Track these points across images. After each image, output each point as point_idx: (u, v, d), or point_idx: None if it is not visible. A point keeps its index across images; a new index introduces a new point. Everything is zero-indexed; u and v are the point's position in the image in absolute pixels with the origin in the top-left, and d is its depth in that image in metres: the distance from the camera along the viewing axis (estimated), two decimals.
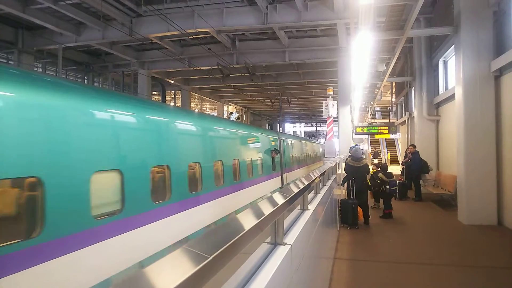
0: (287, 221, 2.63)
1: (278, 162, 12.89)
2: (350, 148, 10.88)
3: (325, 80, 23.44)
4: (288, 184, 2.74)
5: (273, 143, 12.70)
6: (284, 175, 13.56)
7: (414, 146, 13.34)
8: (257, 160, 10.46)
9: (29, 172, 3.14)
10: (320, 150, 30.49)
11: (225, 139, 8.50)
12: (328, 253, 5.47)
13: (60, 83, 4.37)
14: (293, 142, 16.96)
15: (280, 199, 2.10)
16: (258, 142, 11.11)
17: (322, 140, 43.19)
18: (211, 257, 1.00)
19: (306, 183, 3.12)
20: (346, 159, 9.40)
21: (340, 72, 16.99)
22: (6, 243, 2.87)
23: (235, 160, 8.52)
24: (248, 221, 1.49)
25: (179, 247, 1.00)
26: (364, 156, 9.81)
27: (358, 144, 18.86)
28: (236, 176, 8.48)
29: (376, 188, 10.10)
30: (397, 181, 11.36)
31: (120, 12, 13.64)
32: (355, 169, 8.86)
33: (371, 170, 10.09)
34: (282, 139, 14.13)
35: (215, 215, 6.48)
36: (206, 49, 16.33)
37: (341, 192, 9.52)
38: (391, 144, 32.71)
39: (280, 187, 2.36)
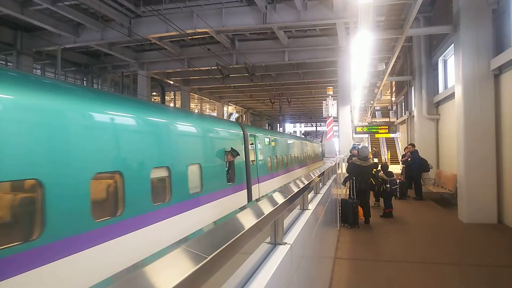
0: (287, 221, 2.62)
1: (241, 169, 8.56)
2: (353, 147, 10.87)
3: (324, 79, 23.45)
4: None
5: (233, 140, 8.32)
6: (256, 186, 9.54)
7: (413, 145, 13.33)
8: (185, 169, 5.76)
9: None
10: (318, 150, 27.91)
11: (111, 132, 4.34)
12: (328, 253, 5.46)
13: None
14: (273, 140, 12.66)
15: (279, 199, 2.09)
16: (196, 139, 6.67)
17: (321, 140, 40.19)
18: (209, 257, 0.99)
19: (306, 182, 3.11)
20: (351, 159, 9.34)
21: (340, 71, 17.00)
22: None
23: (127, 174, 4.36)
24: (247, 220, 1.48)
25: (177, 247, 0.99)
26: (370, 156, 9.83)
27: (358, 143, 18.82)
28: (135, 202, 4.46)
29: (377, 187, 10.09)
30: (397, 180, 11.36)
31: (118, 13, 13.63)
32: (361, 169, 8.81)
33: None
34: (251, 135, 9.73)
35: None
36: (206, 49, 16.33)
37: (341, 192, 9.51)
38: (391, 143, 32.69)
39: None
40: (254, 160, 9.89)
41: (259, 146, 10.43)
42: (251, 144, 9.61)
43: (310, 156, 22.33)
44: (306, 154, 20.80)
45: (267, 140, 11.71)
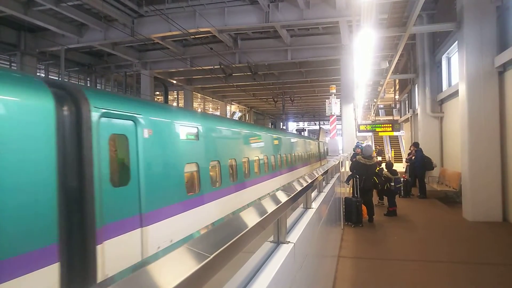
0: (290, 220, 2.62)
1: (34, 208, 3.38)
2: (357, 145, 10.83)
3: (327, 78, 23.41)
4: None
5: None
6: (135, 233, 4.72)
7: (416, 145, 13.24)
8: None
9: None
10: (312, 148, 23.23)
11: None
12: (332, 251, 5.45)
13: None
14: (205, 128, 7.28)
15: (282, 197, 2.09)
16: None
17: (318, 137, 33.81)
18: (211, 256, 0.99)
19: (309, 181, 3.10)
20: (356, 157, 9.31)
21: (343, 70, 16.98)
22: None
23: None
24: (250, 219, 1.48)
25: (180, 246, 1.00)
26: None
27: (361, 141, 18.80)
28: None
29: (381, 185, 10.06)
30: (402, 179, 11.33)
31: (121, 13, 13.66)
32: (366, 167, 8.79)
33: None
34: (113, 114, 4.57)
35: None
36: (208, 48, 16.33)
37: (345, 190, 9.49)
38: (395, 141, 32.59)
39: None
40: (127, 174, 4.75)
41: (150, 141, 5.18)
42: (121, 137, 4.76)
43: (298, 158, 17.04)
44: (291, 156, 15.47)
45: (180, 130, 6.20)
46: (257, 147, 11.05)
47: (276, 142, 13.68)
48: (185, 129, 6.39)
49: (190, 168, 6.39)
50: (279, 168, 13.30)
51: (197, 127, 6.88)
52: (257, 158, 10.67)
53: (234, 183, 8.50)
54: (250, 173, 9.87)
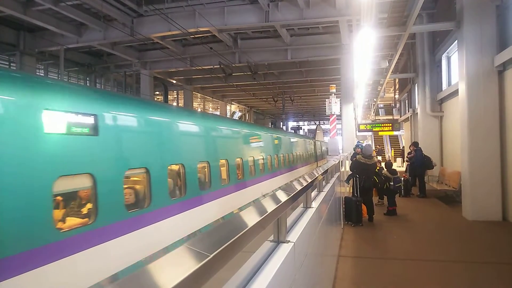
0: (290, 219, 2.61)
1: None
2: (357, 145, 10.82)
3: (327, 77, 23.38)
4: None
5: None
6: None
7: (415, 145, 13.23)
8: None
9: None
10: (305, 148, 20.89)
11: None
12: (332, 251, 5.45)
13: None
14: (127, 117, 4.93)
15: (282, 197, 2.09)
16: None
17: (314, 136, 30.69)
18: (211, 256, 0.98)
19: (309, 180, 3.10)
20: (356, 157, 9.30)
21: (343, 69, 16.96)
22: None
23: None
24: (250, 218, 1.47)
25: (179, 245, 0.99)
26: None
27: (361, 141, 18.83)
28: None
29: (380, 185, 10.06)
30: (402, 178, 11.33)
31: (121, 12, 13.64)
32: (366, 167, 8.78)
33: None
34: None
35: None
36: (208, 48, 16.31)
37: (345, 190, 9.49)
38: (394, 141, 32.61)
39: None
40: None
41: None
42: None
43: (286, 160, 14.51)
44: (277, 158, 12.85)
45: (49, 117, 3.57)
46: (219, 146, 8.02)
47: (251, 140, 10.41)
48: (63, 116, 3.77)
49: (73, 183, 4.00)
50: (260, 174, 10.48)
51: (96, 115, 4.19)
52: (223, 161, 7.82)
53: (174, 201, 5.64)
54: (211, 184, 6.96)
